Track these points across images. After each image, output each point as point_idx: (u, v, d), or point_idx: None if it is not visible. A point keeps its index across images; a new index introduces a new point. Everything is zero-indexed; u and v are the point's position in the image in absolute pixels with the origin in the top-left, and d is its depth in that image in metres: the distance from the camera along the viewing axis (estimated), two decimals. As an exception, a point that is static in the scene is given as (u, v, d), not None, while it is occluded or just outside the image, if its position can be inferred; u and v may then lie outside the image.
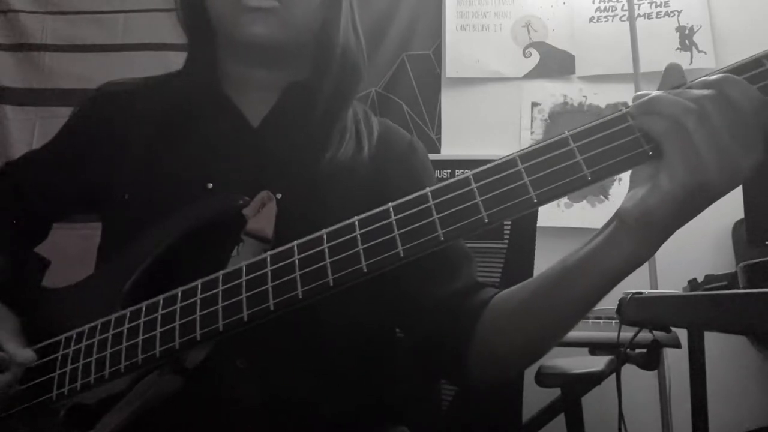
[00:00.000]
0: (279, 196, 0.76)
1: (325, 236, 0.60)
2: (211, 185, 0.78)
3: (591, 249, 0.62)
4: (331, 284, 0.58)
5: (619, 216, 0.58)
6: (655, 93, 0.54)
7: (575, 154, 0.54)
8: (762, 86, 0.52)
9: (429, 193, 0.57)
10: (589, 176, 0.53)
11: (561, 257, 0.66)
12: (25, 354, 0.72)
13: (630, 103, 0.56)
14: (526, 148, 0.56)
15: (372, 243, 0.58)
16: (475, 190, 0.55)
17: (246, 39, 0.79)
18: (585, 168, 0.53)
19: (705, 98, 0.51)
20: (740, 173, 0.51)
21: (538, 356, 0.75)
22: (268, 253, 0.63)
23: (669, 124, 0.52)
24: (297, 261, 0.60)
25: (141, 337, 0.66)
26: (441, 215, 0.56)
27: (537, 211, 1.21)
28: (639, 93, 0.55)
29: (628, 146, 0.53)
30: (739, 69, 0.53)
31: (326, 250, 0.59)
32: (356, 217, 0.60)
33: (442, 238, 0.56)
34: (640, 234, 0.57)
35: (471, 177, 0.56)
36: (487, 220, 0.55)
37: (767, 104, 0.51)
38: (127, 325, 0.68)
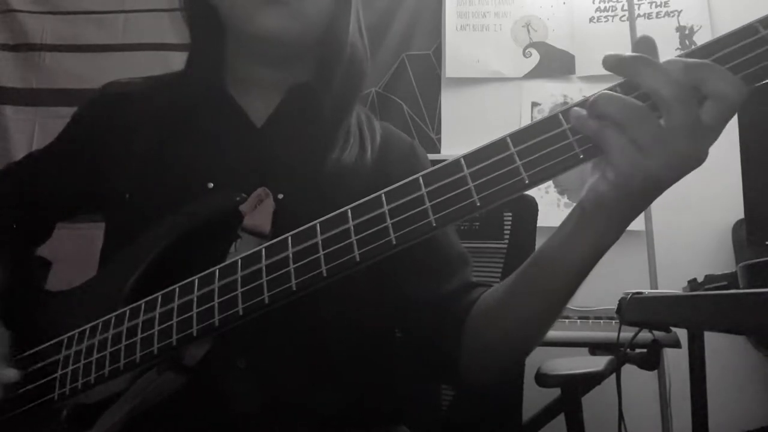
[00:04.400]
0: (281, 196, 0.76)
1: (318, 227, 0.60)
2: (212, 185, 0.79)
3: (555, 241, 0.63)
4: (325, 275, 0.58)
5: (580, 204, 0.59)
6: (594, 95, 0.52)
7: (567, 134, 0.53)
8: (758, 54, 0.50)
9: (420, 179, 0.57)
10: (582, 155, 0.52)
11: None
12: (5, 374, 0.71)
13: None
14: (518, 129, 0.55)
15: (364, 232, 0.57)
16: (467, 174, 0.55)
17: (258, 32, 0.78)
18: (577, 147, 0.53)
19: (666, 90, 0.49)
20: (690, 163, 0.51)
21: (521, 353, 0.76)
22: (263, 245, 0.63)
23: (600, 124, 0.51)
24: (291, 253, 0.60)
25: (139, 335, 0.66)
26: (433, 202, 0.55)
27: (537, 211, 1.21)
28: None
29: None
30: (732, 36, 0.51)
31: (319, 241, 0.59)
32: (348, 206, 0.59)
33: (434, 224, 0.55)
34: (598, 222, 0.58)
35: (462, 161, 0.56)
36: (479, 204, 0.54)
37: (748, 92, 0.49)
38: (126, 324, 0.68)
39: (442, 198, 0.55)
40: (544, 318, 0.69)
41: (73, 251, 1.24)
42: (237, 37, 0.85)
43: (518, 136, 0.54)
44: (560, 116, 0.54)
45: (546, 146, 0.53)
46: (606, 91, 0.52)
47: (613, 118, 0.50)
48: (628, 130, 0.50)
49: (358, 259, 0.57)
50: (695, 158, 0.51)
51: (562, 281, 0.64)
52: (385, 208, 0.57)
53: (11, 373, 0.72)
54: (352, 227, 0.58)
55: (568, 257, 0.62)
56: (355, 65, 0.86)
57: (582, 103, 0.53)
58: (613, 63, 0.52)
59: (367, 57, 0.89)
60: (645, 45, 0.53)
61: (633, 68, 0.51)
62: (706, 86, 0.49)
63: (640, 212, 0.57)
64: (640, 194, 0.54)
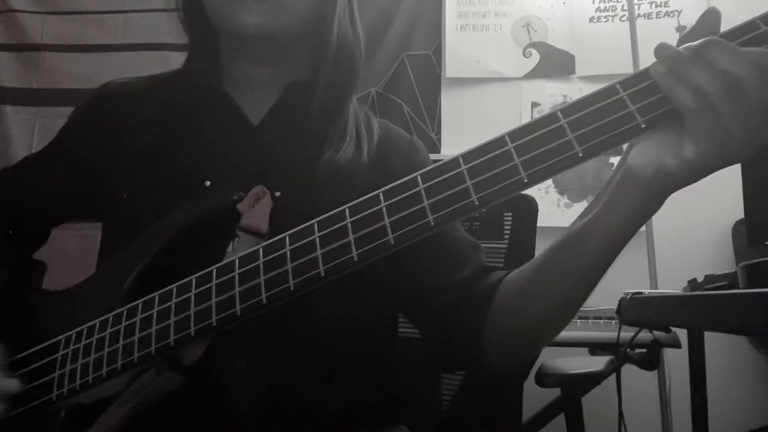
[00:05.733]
0: (278, 194, 0.76)
1: (316, 226, 0.60)
2: (209, 183, 0.78)
3: (597, 211, 0.61)
4: (323, 275, 0.58)
5: (627, 173, 0.57)
6: (687, 54, 0.51)
7: (566, 131, 0.52)
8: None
9: (418, 178, 0.56)
10: (581, 153, 0.52)
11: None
12: (7, 384, 0.71)
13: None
14: (517, 127, 0.55)
15: (362, 232, 0.57)
16: (465, 172, 0.54)
17: (239, 29, 0.78)
18: (576, 145, 0.52)
19: (743, 70, 0.49)
20: (765, 141, 0.51)
21: (552, 333, 0.74)
22: (261, 245, 0.63)
23: (699, 99, 0.50)
24: (288, 252, 0.60)
25: (137, 335, 0.66)
26: (431, 200, 0.55)
27: (537, 211, 1.21)
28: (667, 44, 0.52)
29: (620, 120, 0.52)
30: (733, 33, 0.51)
31: (317, 240, 0.59)
32: (347, 205, 0.59)
33: (433, 224, 0.55)
34: (651, 191, 0.56)
35: (460, 159, 0.55)
36: (478, 203, 0.53)
37: None
38: (124, 323, 0.67)
39: (441, 197, 0.55)
40: (576, 297, 0.67)
41: (73, 251, 1.24)
42: (225, 36, 0.85)
43: (517, 133, 0.54)
44: (559, 114, 0.53)
45: (545, 144, 0.53)
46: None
47: (708, 94, 0.49)
48: (720, 107, 0.49)
49: (356, 259, 0.57)
50: (765, 140, 0.51)
51: (598, 254, 0.62)
52: (383, 207, 0.57)
53: (12, 384, 0.71)
54: (349, 226, 0.58)
55: (607, 226, 0.60)
56: (344, 57, 0.85)
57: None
58: (685, 45, 0.51)
59: (360, 49, 0.87)
60: (711, 17, 0.53)
61: (707, 50, 0.50)
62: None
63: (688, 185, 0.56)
64: (708, 172, 0.53)
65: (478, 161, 0.54)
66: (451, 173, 0.55)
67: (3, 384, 0.71)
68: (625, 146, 0.58)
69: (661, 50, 0.52)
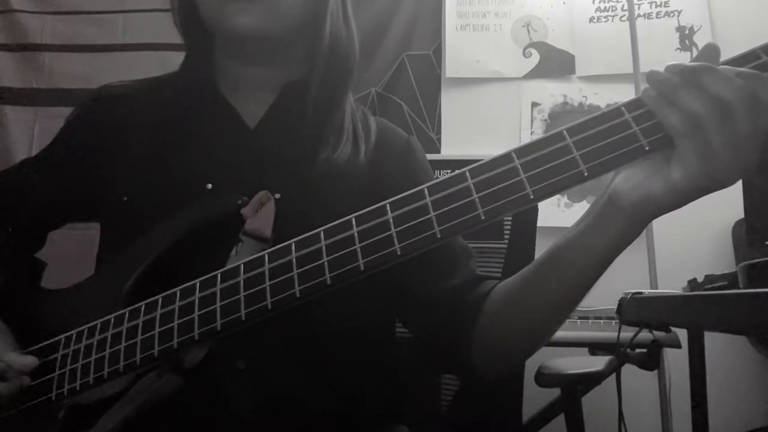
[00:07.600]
0: (277, 196, 0.76)
1: (322, 234, 0.60)
2: (210, 186, 0.78)
3: (580, 231, 0.62)
4: (329, 282, 0.58)
5: (612, 198, 0.58)
6: (677, 79, 0.52)
7: (571, 149, 0.53)
8: None
9: (425, 190, 0.57)
10: (586, 172, 0.53)
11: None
12: (25, 360, 0.71)
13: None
14: (523, 144, 0.56)
15: (369, 241, 0.57)
16: (472, 186, 0.55)
17: (232, 30, 0.78)
18: (581, 164, 0.53)
19: (734, 96, 0.50)
20: (749, 168, 0.52)
21: (537, 344, 0.75)
22: (266, 251, 0.63)
23: (688, 120, 0.51)
24: (294, 259, 0.60)
25: (140, 337, 0.66)
26: (437, 212, 0.56)
27: (537, 211, 1.21)
28: (670, 66, 0.53)
29: (624, 141, 0.53)
30: (734, 62, 0.53)
31: (323, 248, 0.59)
32: (353, 215, 0.59)
33: (439, 236, 0.55)
34: (635, 216, 0.57)
35: (467, 173, 0.56)
36: (483, 217, 0.54)
37: None
38: (126, 325, 0.68)
39: (447, 209, 0.55)
40: (561, 310, 0.69)
41: (73, 251, 1.24)
42: (220, 38, 0.85)
43: (523, 150, 0.55)
44: (564, 132, 0.54)
45: (550, 161, 0.54)
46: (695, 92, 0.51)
47: (698, 116, 0.50)
48: (710, 129, 0.50)
49: (362, 268, 0.57)
50: (749, 167, 0.52)
51: (583, 272, 0.63)
52: (390, 217, 0.57)
53: (29, 360, 0.72)
54: (356, 235, 0.58)
55: (591, 248, 0.61)
56: (338, 56, 0.85)
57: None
58: (676, 70, 0.52)
59: (354, 47, 0.87)
60: (709, 52, 0.54)
61: (698, 75, 0.51)
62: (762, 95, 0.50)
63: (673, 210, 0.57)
64: (693, 197, 0.54)
65: (485, 176, 0.55)
66: (458, 187, 0.56)
67: (22, 360, 0.71)
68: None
69: (653, 75, 0.53)
